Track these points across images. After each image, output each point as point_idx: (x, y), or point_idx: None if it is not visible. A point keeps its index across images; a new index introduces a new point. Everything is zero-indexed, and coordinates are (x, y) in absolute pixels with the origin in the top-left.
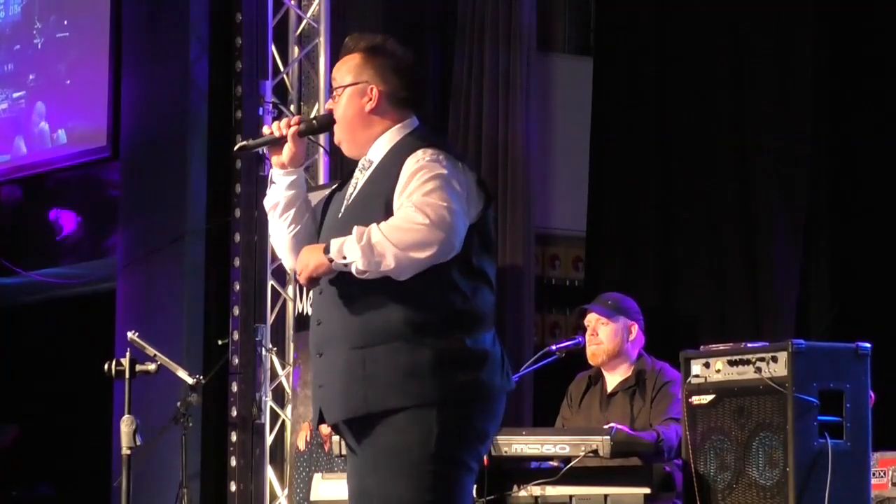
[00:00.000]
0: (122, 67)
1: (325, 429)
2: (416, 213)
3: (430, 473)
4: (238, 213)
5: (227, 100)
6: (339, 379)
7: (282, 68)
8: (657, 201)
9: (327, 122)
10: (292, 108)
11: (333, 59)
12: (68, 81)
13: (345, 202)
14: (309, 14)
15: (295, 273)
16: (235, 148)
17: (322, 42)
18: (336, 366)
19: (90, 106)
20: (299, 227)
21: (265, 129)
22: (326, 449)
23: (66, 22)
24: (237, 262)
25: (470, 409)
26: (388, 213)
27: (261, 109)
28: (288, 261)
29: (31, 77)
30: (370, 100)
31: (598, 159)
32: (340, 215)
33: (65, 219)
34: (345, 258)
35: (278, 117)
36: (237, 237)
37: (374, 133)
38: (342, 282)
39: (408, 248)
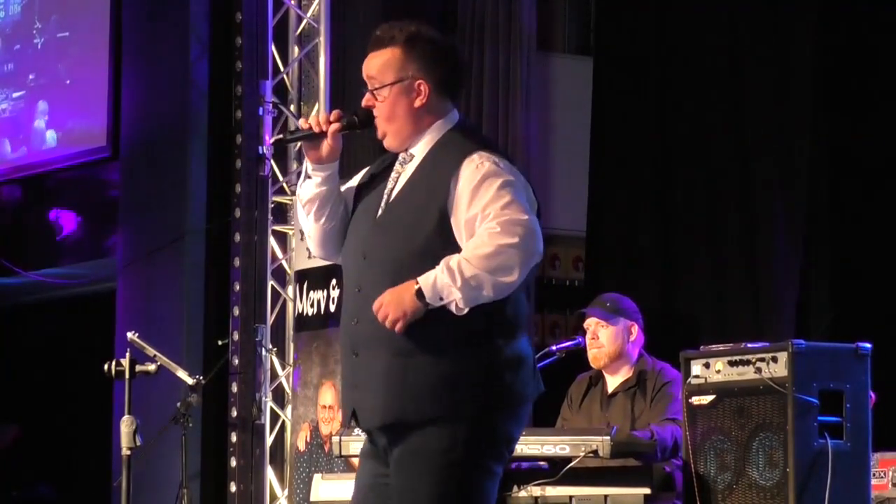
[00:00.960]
0: (122, 67)
1: (325, 427)
2: (503, 236)
3: (456, 477)
4: (238, 213)
5: (227, 100)
6: (379, 385)
7: (282, 68)
8: (657, 201)
9: (367, 120)
10: (292, 107)
11: (333, 59)
12: (68, 81)
13: (384, 199)
14: (309, 14)
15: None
16: (271, 140)
17: (322, 42)
18: (375, 370)
19: (90, 106)
20: (334, 222)
21: (301, 123)
22: (326, 450)
23: (66, 22)
24: (237, 262)
25: (501, 416)
26: (442, 221)
27: (261, 109)
28: (317, 251)
29: (30, 77)
30: (419, 95)
31: (598, 159)
32: (380, 214)
33: (65, 219)
34: (442, 299)
35: (278, 117)
36: (237, 237)
37: (421, 127)
38: (382, 284)
39: (503, 274)
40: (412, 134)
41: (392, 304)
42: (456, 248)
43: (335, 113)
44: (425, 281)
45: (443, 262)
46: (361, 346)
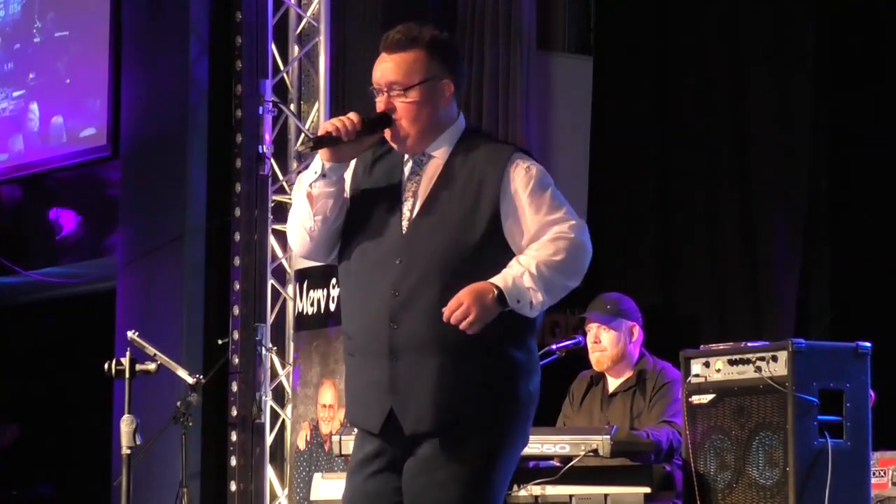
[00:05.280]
0: (122, 67)
1: (325, 427)
2: (576, 243)
3: (490, 482)
4: (238, 212)
5: (227, 99)
6: (430, 387)
7: (282, 67)
8: (657, 201)
9: (385, 122)
10: (292, 107)
11: (333, 59)
12: (68, 80)
13: (412, 201)
14: (309, 13)
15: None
16: (297, 146)
17: (322, 41)
18: (422, 374)
19: (90, 105)
20: (340, 220)
21: (327, 127)
22: (326, 449)
23: (66, 21)
24: (237, 262)
25: (528, 421)
26: (494, 222)
27: (261, 108)
28: (314, 250)
29: (31, 76)
30: (443, 96)
31: (598, 159)
32: (412, 217)
33: (65, 218)
34: (519, 302)
35: (278, 117)
36: (237, 237)
37: (441, 128)
38: (429, 287)
39: (573, 279)
40: (432, 135)
41: (476, 305)
42: (507, 250)
43: (355, 117)
44: (504, 284)
45: (519, 266)
46: (404, 350)
